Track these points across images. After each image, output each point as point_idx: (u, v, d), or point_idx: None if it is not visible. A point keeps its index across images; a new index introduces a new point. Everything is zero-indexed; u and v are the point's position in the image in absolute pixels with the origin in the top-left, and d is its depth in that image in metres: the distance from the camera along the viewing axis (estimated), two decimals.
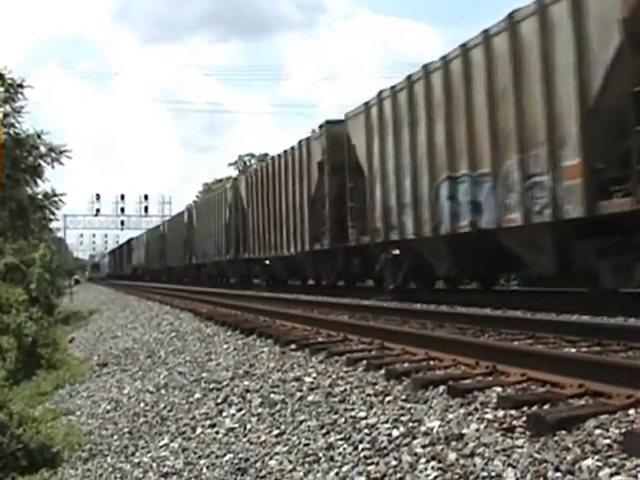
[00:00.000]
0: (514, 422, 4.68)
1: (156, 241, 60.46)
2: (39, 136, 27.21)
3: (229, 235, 34.25)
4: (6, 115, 26.09)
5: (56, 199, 29.26)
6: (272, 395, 7.33)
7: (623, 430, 4.17)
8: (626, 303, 10.99)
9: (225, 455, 6.20)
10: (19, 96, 26.19)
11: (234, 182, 35.40)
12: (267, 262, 28.12)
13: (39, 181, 28.20)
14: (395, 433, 5.12)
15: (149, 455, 7.22)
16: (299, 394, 7.03)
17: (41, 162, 27.51)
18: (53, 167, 27.59)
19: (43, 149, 27.37)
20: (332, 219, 21.85)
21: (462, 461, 4.33)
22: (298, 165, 24.84)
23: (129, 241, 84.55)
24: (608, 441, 4.06)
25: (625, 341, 7.42)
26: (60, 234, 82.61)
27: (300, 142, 24.65)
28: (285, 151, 26.40)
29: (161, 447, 7.28)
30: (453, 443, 4.63)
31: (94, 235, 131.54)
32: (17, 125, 26.66)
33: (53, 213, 30.64)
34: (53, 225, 46.32)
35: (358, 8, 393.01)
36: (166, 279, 54.57)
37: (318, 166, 22.99)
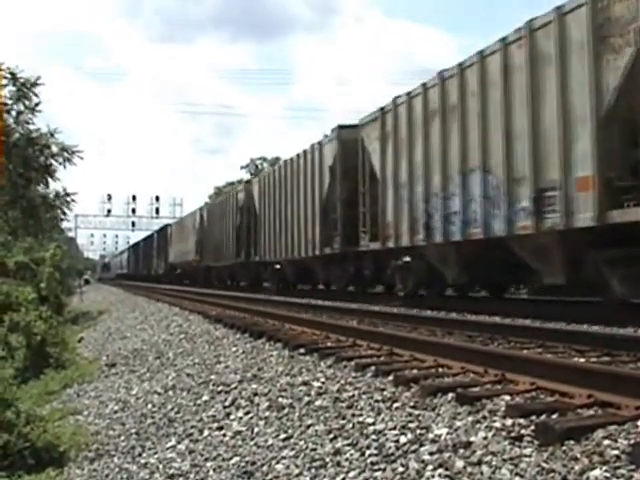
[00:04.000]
0: (522, 431, 4.67)
1: (225, 220, 38.35)
2: (52, 135, 27.29)
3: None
4: (20, 113, 26.20)
5: (68, 199, 29.36)
6: (280, 399, 7.34)
7: (632, 441, 4.15)
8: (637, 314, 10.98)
9: (232, 458, 6.19)
10: (32, 95, 26.27)
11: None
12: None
13: (51, 180, 28.29)
14: (403, 440, 5.11)
15: (156, 456, 7.22)
16: (307, 398, 7.03)
17: (53, 162, 27.59)
18: (65, 167, 27.67)
19: (55, 149, 27.44)
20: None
21: (469, 469, 4.32)
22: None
23: (163, 229, 64.30)
24: (616, 452, 4.05)
25: (635, 352, 7.40)
26: (71, 234, 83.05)
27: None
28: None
29: (168, 449, 7.28)
30: (461, 451, 4.62)
31: (105, 235, 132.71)
32: (31, 123, 26.76)
33: (64, 213, 30.73)
34: (64, 225, 46.52)
35: (371, 11, 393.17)
36: (248, 282, 35.50)
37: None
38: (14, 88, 25.74)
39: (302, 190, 25.56)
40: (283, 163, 29.32)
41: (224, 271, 40.22)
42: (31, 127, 26.89)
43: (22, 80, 25.68)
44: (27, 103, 26.21)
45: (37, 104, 26.38)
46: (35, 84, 26.12)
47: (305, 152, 25.66)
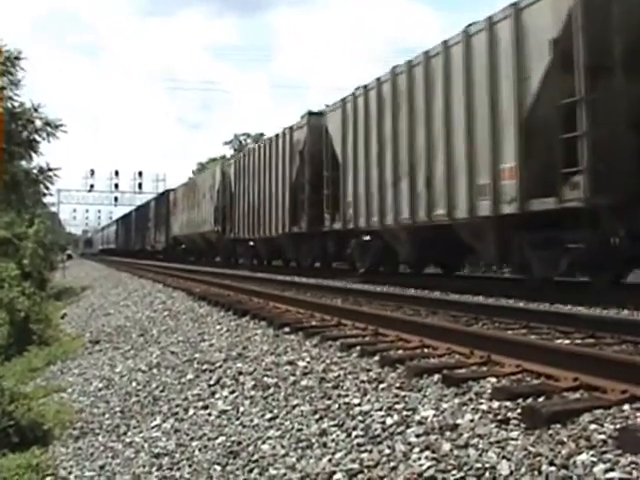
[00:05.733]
0: (509, 414, 4.69)
1: (268, 175, 27.97)
2: (36, 110, 27.11)
3: None
4: (3, 88, 26.00)
5: (51, 174, 29.18)
6: (265, 378, 7.34)
7: (618, 426, 4.18)
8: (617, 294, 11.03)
9: (217, 438, 6.20)
10: (16, 69, 26.11)
11: None
12: None
13: (34, 155, 28.13)
14: (389, 421, 5.12)
15: (141, 435, 7.23)
16: (292, 378, 7.04)
17: (36, 136, 27.41)
18: (49, 141, 27.49)
19: (39, 123, 27.26)
20: None
21: (456, 452, 4.33)
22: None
23: (162, 195, 54.72)
24: (603, 436, 4.06)
25: (619, 334, 7.43)
26: (54, 209, 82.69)
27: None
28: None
29: (153, 427, 7.28)
30: (447, 433, 4.63)
31: (87, 210, 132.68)
32: (14, 98, 26.59)
33: (47, 188, 30.55)
34: (47, 200, 46.28)
35: None
36: (308, 261, 25.66)
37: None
38: None
39: (455, 104, 15.06)
40: (405, 67, 17.25)
41: (263, 246, 30.01)
42: (14, 102, 26.76)
43: (6, 54, 25.50)
44: (10, 78, 26.05)
45: (20, 79, 26.26)
46: (18, 58, 25.97)
47: (454, 40, 15.25)
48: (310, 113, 24.44)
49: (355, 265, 21.13)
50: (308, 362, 7.47)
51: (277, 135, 27.42)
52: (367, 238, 19.86)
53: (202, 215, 39.35)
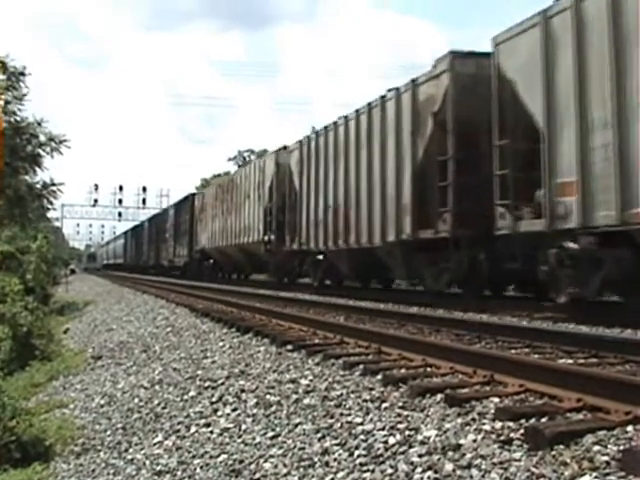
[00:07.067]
0: (512, 434, 4.67)
1: (362, 159, 19.72)
2: (39, 124, 27.20)
3: None
4: (7, 103, 26.13)
5: (54, 188, 29.23)
6: (267, 396, 7.32)
7: (621, 447, 4.16)
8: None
9: (219, 456, 6.18)
10: (20, 84, 26.26)
11: None
12: None
13: (38, 170, 28.21)
14: (391, 440, 5.10)
15: (142, 452, 7.20)
16: (295, 396, 7.02)
17: (40, 151, 27.49)
18: (52, 157, 27.57)
19: (43, 138, 27.37)
20: None
21: (459, 472, 4.31)
22: None
23: (185, 200, 45.78)
24: (606, 458, 4.05)
25: (622, 354, 7.41)
26: (57, 223, 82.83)
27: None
28: None
29: (155, 445, 7.26)
30: (450, 453, 4.61)
31: (91, 225, 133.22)
32: (18, 113, 26.72)
33: (51, 202, 30.61)
34: (50, 214, 46.36)
35: (357, 1, 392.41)
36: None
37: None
38: (3, 77, 25.73)
39: None
40: None
41: (345, 260, 21.98)
42: (18, 117, 26.89)
43: (11, 69, 25.66)
44: (15, 93, 26.20)
45: (24, 94, 26.40)
46: (22, 74, 26.12)
47: None
48: (454, 53, 15.70)
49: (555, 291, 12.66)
50: (311, 380, 7.46)
51: (383, 97, 18.87)
52: (573, 246, 11.78)
53: (244, 221, 31.36)
